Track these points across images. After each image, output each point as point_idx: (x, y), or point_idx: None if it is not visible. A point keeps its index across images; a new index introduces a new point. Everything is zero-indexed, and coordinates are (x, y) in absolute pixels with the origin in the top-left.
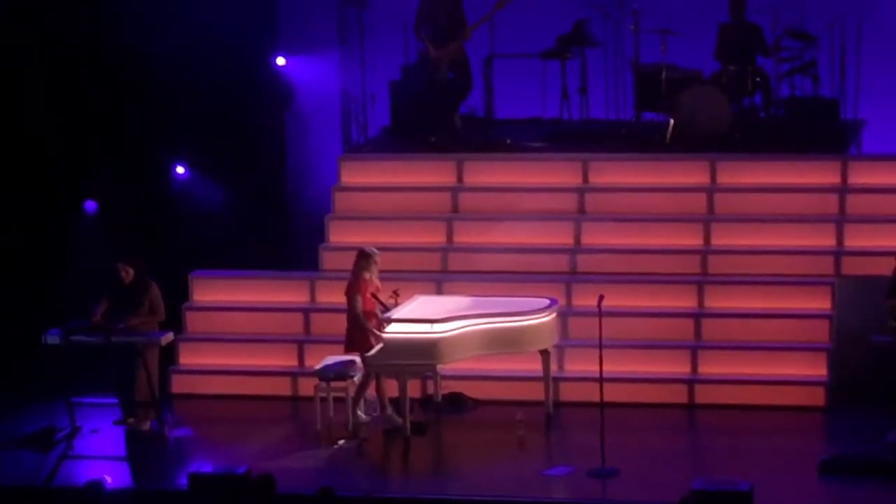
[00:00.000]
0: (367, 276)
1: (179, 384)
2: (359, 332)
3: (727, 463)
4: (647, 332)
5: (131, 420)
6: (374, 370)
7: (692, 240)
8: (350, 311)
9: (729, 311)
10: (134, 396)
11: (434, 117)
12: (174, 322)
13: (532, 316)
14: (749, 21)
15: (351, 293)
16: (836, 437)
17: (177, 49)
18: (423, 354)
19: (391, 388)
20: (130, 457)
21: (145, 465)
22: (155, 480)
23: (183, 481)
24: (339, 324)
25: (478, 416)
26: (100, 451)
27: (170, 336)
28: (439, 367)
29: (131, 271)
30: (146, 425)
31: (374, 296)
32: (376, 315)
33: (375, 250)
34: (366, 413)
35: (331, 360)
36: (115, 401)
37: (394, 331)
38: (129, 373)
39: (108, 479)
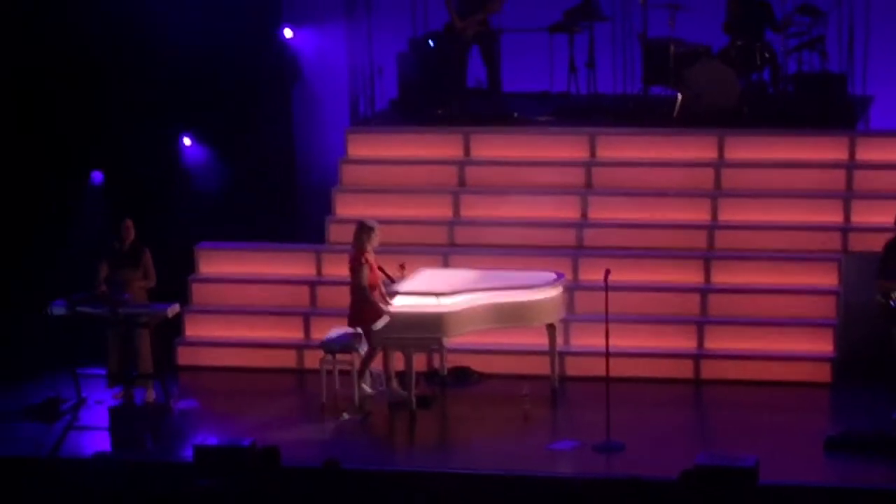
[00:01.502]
0: (369, 248)
1: (185, 356)
2: (363, 305)
3: (732, 438)
4: (653, 307)
5: (128, 391)
6: (379, 343)
7: (699, 215)
8: (354, 284)
9: (735, 286)
10: (137, 368)
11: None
12: (180, 294)
13: (538, 290)
14: None
15: (355, 266)
16: (842, 413)
17: (185, 21)
18: (429, 328)
19: (397, 361)
20: (135, 429)
21: (150, 437)
22: (160, 452)
23: (188, 453)
24: (345, 296)
25: (483, 389)
26: (105, 423)
27: (176, 308)
28: (445, 340)
29: (133, 231)
30: (150, 397)
31: (380, 269)
32: (380, 288)
33: (376, 223)
34: (371, 386)
35: (336, 332)
36: (104, 372)
37: (400, 304)
38: (132, 344)
39: (113, 451)
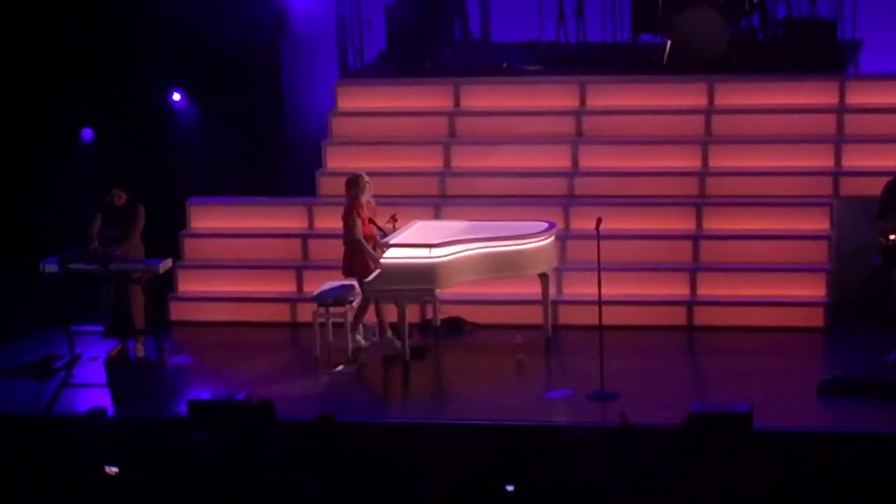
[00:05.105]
0: (362, 199)
1: (178, 311)
2: (357, 257)
3: (726, 385)
4: (645, 255)
5: (122, 347)
6: (372, 295)
7: (690, 162)
8: (348, 235)
9: (727, 232)
10: (130, 324)
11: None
12: (172, 249)
13: (530, 239)
14: None
15: (349, 218)
16: (835, 357)
17: None
18: (421, 279)
19: (390, 313)
20: (130, 384)
21: (145, 392)
22: (154, 408)
23: (182, 408)
24: (338, 249)
25: (477, 340)
26: (99, 379)
27: (168, 263)
28: (438, 291)
29: (124, 196)
30: (142, 352)
31: (371, 221)
32: (374, 239)
33: (363, 172)
34: (365, 338)
35: (329, 285)
36: (98, 328)
37: (392, 256)
38: (125, 300)
39: (109, 407)
